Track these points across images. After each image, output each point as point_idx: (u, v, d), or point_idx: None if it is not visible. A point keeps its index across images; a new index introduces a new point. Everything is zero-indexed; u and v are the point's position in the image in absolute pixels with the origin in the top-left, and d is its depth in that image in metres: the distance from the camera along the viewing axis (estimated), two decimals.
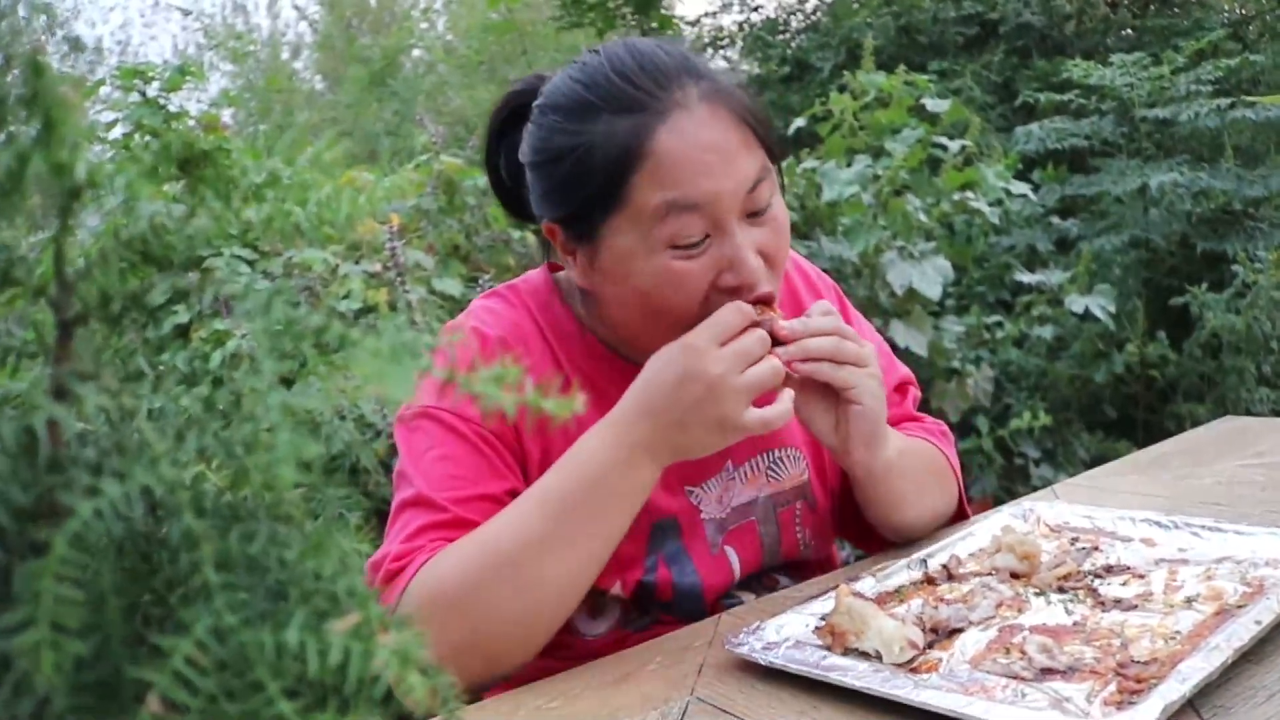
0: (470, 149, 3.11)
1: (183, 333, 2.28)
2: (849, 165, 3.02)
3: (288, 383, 0.33)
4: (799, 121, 3.41)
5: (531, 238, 2.42)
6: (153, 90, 2.52)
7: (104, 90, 2.68)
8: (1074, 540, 1.08)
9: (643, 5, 5.96)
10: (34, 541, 0.30)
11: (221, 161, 0.37)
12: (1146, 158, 4.00)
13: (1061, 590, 0.95)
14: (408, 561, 0.94)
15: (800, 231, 2.89)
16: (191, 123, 2.68)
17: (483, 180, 1.22)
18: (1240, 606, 0.86)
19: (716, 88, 0.99)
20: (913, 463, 1.13)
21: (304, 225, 0.37)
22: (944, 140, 3.17)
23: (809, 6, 7.35)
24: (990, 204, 3.17)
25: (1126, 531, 1.07)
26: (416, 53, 9.48)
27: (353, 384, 0.33)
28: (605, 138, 0.97)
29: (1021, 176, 3.85)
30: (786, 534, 1.15)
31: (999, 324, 3.39)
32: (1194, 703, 0.74)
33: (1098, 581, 0.96)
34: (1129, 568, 0.99)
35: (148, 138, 2.45)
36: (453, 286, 2.31)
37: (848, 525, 1.23)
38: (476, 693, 0.94)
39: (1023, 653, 0.82)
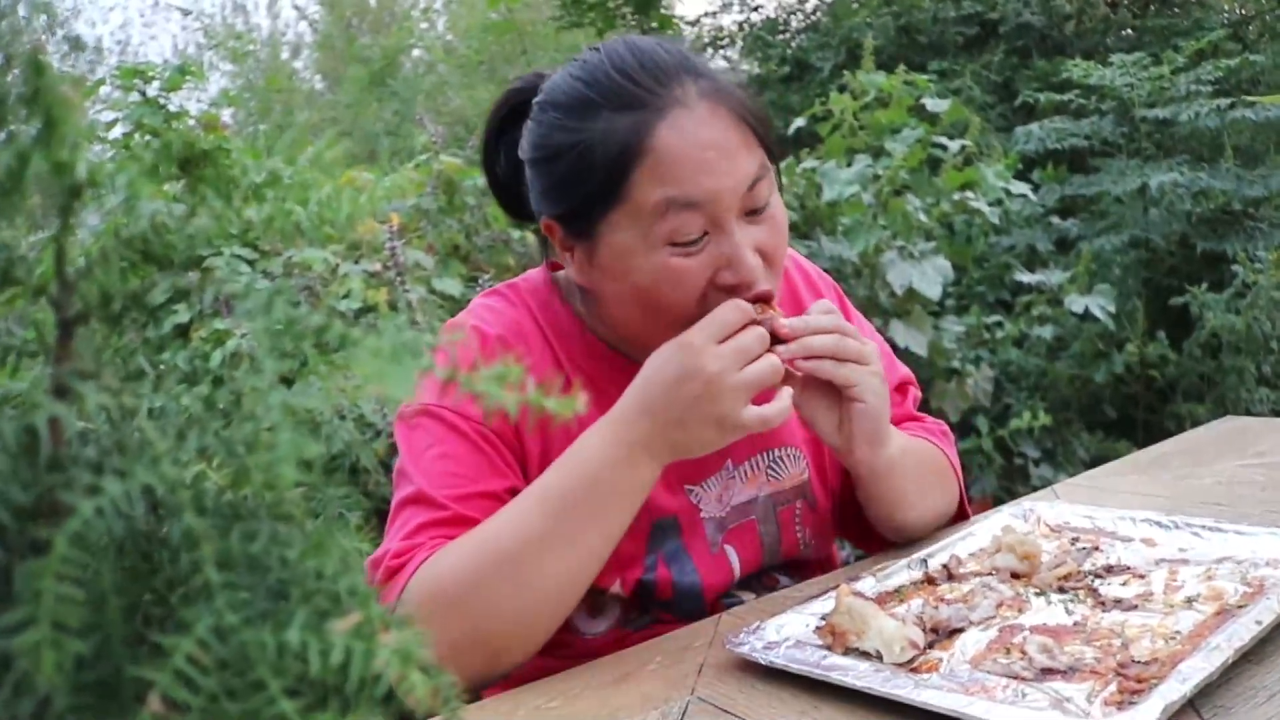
0: (470, 149, 3.10)
1: (183, 332, 2.28)
2: (849, 165, 3.02)
3: (288, 382, 0.33)
4: (799, 121, 3.42)
5: (531, 238, 2.42)
6: (153, 90, 2.51)
7: (104, 90, 2.68)
8: (1074, 540, 1.07)
9: (643, 5, 5.96)
10: (35, 540, 0.30)
11: (222, 161, 0.37)
12: (1146, 158, 4.00)
13: (1062, 590, 0.95)
14: (408, 559, 0.94)
15: (800, 231, 2.89)
16: (191, 122, 2.67)
17: (482, 180, 1.22)
18: (1241, 606, 0.86)
19: (716, 86, 0.99)
20: (914, 462, 1.13)
21: (304, 225, 0.37)
22: (944, 140, 3.17)
23: (809, 6, 7.36)
24: (990, 204, 3.17)
25: (1127, 531, 1.07)
26: (416, 53, 9.48)
27: (353, 383, 0.33)
28: (605, 134, 0.97)
29: (1021, 176, 3.85)
30: (786, 533, 1.15)
31: (999, 324, 3.39)
32: (1194, 703, 0.74)
33: (1098, 581, 0.96)
34: (1129, 568, 0.99)
35: (148, 137, 2.45)
36: (453, 286, 2.31)
37: (848, 525, 1.23)
38: (476, 691, 0.94)
39: (1023, 653, 0.82)
